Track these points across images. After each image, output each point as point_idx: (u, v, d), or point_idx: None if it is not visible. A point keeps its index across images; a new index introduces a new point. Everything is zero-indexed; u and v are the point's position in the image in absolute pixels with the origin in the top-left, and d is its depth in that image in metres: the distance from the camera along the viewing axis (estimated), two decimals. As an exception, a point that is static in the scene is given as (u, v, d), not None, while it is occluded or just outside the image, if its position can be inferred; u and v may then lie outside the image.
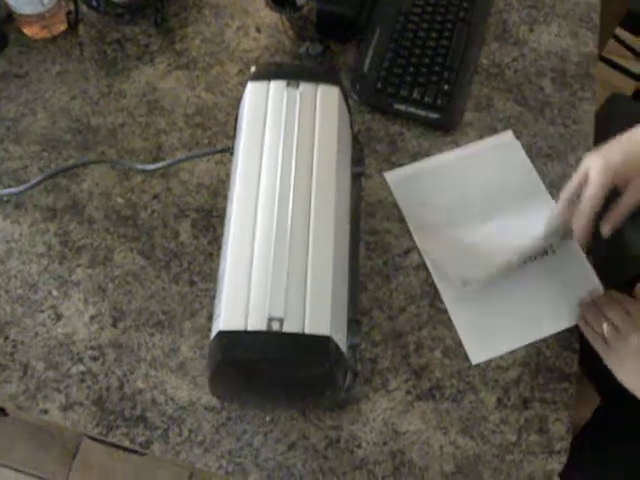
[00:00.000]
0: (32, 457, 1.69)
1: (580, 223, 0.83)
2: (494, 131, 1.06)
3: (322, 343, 0.68)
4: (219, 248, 0.82)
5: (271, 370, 0.71)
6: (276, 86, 0.82)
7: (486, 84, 1.10)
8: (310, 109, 0.81)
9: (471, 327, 0.93)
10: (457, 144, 1.04)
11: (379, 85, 1.06)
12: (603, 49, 1.77)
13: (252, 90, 0.83)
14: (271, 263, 0.71)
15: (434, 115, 1.04)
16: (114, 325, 0.92)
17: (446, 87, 1.06)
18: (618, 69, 1.84)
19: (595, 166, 0.82)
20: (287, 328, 0.68)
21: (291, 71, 0.84)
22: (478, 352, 0.91)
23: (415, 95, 1.05)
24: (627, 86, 1.77)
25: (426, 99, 1.05)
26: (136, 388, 0.88)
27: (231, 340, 0.68)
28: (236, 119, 0.88)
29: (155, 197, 1.00)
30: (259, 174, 0.77)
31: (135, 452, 1.07)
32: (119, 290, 0.94)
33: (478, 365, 0.90)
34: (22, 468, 1.68)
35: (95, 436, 0.88)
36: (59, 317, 0.92)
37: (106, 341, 0.91)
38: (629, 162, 0.82)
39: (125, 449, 0.99)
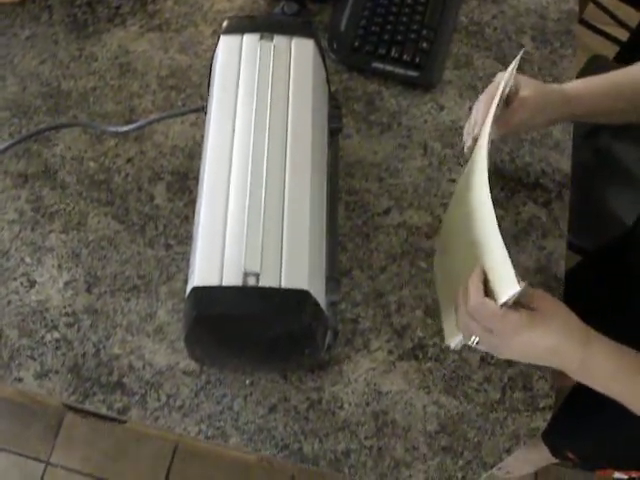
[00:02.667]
0: (14, 435, 1.67)
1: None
2: (474, 89, 1.04)
3: (300, 297, 0.67)
4: (195, 211, 0.80)
5: (248, 326, 0.69)
6: (249, 40, 0.80)
7: (465, 42, 1.08)
8: (284, 62, 0.78)
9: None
10: (436, 102, 1.03)
11: (356, 43, 1.04)
12: (583, 12, 1.76)
13: (225, 44, 0.81)
14: (246, 217, 0.69)
15: (413, 73, 1.02)
16: (89, 291, 0.89)
17: (425, 45, 1.04)
18: (598, 33, 1.83)
19: (527, 96, 0.83)
20: (263, 283, 0.66)
21: (264, 24, 0.81)
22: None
23: (393, 53, 1.03)
24: (607, 51, 1.75)
25: (404, 57, 1.03)
26: (112, 354, 0.87)
27: (206, 296, 0.66)
28: (209, 76, 0.85)
29: (129, 161, 0.97)
30: (233, 129, 0.75)
31: (118, 421, 1.06)
32: (93, 255, 0.91)
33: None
34: (4, 446, 1.66)
35: (71, 404, 0.86)
36: (32, 284, 0.90)
37: (81, 307, 0.89)
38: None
39: (108, 418, 0.97)
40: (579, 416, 1.01)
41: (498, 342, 0.72)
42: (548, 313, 0.73)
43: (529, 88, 0.83)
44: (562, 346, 0.73)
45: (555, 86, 0.87)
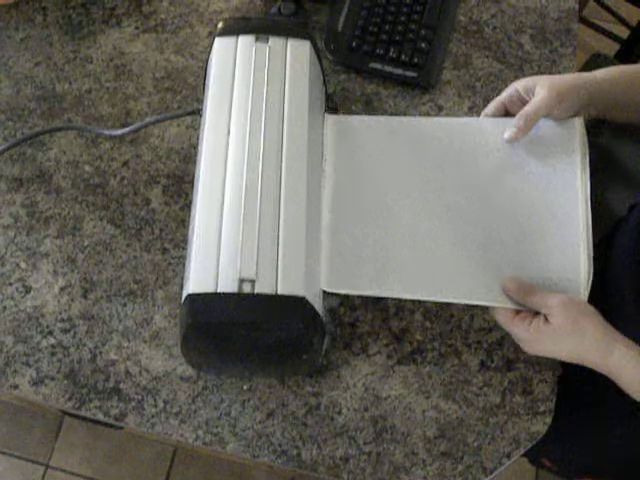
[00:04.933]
0: (14, 438, 1.66)
1: (522, 123, 0.83)
2: (473, 89, 1.03)
3: (296, 304, 0.66)
4: (190, 215, 0.79)
5: (244, 333, 0.68)
6: (244, 41, 0.79)
7: (464, 42, 1.07)
8: (280, 64, 0.78)
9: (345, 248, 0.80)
10: (435, 103, 1.01)
11: (354, 44, 1.02)
12: (583, 9, 1.75)
13: (219, 46, 0.80)
14: (241, 223, 0.68)
15: (411, 73, 1.01)
16: (85, 296, 0.89)
17: (423, 45, 1.03)
18: (599, 31, 1.81)
19: (544, 83, 0.83)
20: (259, 289, 0.66)
21: (260, 26, 0.81)
22: (335, 279, 0.78)
23: (391, 53, 1.02)
24: (607, 49, 1.74)
25: (403, 57, 1.01)
26: (109, 360, 0.86)
27: (201, 303, 0.66)
28: (205, 79, 0.84)
29: (124, 164, 0.96)
30: (228, 133, 0.74)
31: (114, 427, 1.05)
32: (89, 260, 0.91)
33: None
34: (4, 449, 1.65)
35: (68, 410, 0.85)
36: (28, 290, 0.89)
37: (77, 313, 0.88)
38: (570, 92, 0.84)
39: (105, 424, 0.97)
40: (553, 422, 0.99)
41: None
42: (561, 329, 0.75)
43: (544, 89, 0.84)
44: (579, 359, 0.77)
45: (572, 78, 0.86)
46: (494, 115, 0.88)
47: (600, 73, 0.87)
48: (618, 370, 0.76)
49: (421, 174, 0.86)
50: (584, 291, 0.79)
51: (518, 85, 0.86)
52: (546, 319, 0.76)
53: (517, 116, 0.84)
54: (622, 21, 1.81)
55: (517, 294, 0.78)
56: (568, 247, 0.80)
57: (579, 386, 0.92)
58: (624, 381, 0.76)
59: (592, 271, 0.79)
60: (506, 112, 0.87)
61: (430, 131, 0.88)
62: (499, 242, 0.82)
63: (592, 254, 0.80)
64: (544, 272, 0.80)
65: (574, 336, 0.76)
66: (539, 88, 0.83)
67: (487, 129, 0.87)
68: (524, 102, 0.85)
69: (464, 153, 0.86)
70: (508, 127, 0.84)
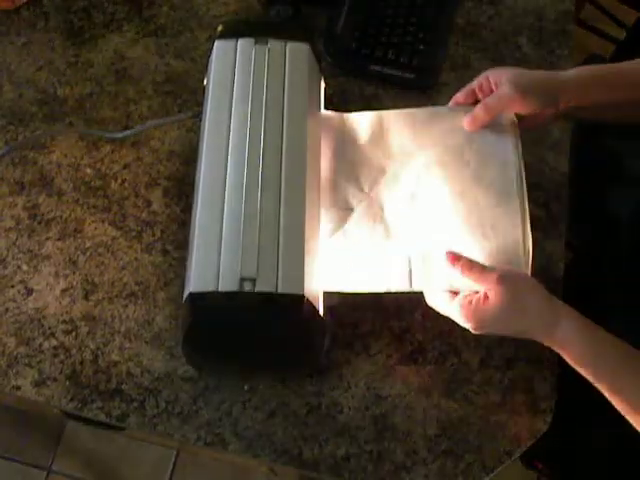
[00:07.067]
0: (15, 443, 1.66)
1: (480, 112, 0.83)
2: (471, 91, 1.04)
3: (296, 302, 0.66)
4: (191, 216, 0.80)
5: (245, 332, 0.69)
6: (244, 44, 0.80)
7: (462, 43, 1.08)
8: (279, 66, 0.78)
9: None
10: (434, 104, 1.02)
11: (353, 46, 1.03)
12: (580, 11, 1.76)
13: (219, 49, 0.81)
14: (242, 222, 0.69)
15: (410, 75, 1.02)
16: (86, 298, 0.89)
17: (421, 47, 1.04)
18: (596, 33, 1.82)
19: (510, 79, 0.82)
20: (260, 288, 0.66)
21: (259, 28, 0.81)
22: (334, 277, 0.81)
23: (390, 55, 1.03)
24: (604, 51, 1.75)
25: (401, 59, 1.02)
26: (110, 361, 0.86)
27: (202, 301, 0.66)
28: (205, 81, 0.85)
29: (125, 166, 0.97)
30: (228, 134, 0.75)
31: (115, 428, 1.05)
32: (90, 262, 0.91)
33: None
34: (5, 454, 1.65)
35: (70, 411, 0.86)
36: (29, 292, 0.90)
37: (78, 314, 0.88)
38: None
39: (108, 426, 0.97)
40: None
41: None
42: (502, 305, 0.73)
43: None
44: (526, 335, 0.76)
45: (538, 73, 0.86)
46: (465, 101, 0.87)
47: (572, 72, 0.86)
48: (564, 343, 0.74)
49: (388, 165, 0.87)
50: (525, 263, 0.77)
51: (489, 74, 0.85)
52: (486, 296, 0.74)
53: (478, 105, 0.83)
54: (618, 23, 1.82)
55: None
56: (507, 222, 0.79)
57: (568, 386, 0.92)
58: (570, 353, 0.74)
59: (531, 244, 0.78)
60: (476, 99, 0.86)
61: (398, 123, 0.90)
62: (438, 226, 0.82)
63: (529, 228, 0.79)
64: (485, 250, 0.79)
65: (517, 312, 0.74)
66: (504, 83, 0.82)
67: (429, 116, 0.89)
68: (492, 91, 0.84)
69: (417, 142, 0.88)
70: (467, 114, 0.84)
